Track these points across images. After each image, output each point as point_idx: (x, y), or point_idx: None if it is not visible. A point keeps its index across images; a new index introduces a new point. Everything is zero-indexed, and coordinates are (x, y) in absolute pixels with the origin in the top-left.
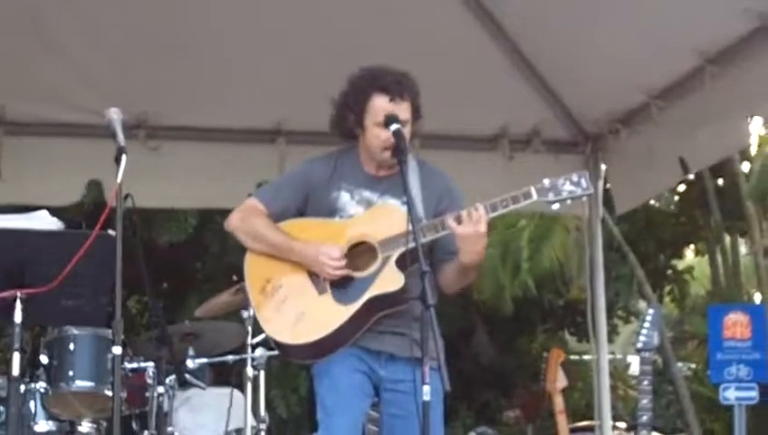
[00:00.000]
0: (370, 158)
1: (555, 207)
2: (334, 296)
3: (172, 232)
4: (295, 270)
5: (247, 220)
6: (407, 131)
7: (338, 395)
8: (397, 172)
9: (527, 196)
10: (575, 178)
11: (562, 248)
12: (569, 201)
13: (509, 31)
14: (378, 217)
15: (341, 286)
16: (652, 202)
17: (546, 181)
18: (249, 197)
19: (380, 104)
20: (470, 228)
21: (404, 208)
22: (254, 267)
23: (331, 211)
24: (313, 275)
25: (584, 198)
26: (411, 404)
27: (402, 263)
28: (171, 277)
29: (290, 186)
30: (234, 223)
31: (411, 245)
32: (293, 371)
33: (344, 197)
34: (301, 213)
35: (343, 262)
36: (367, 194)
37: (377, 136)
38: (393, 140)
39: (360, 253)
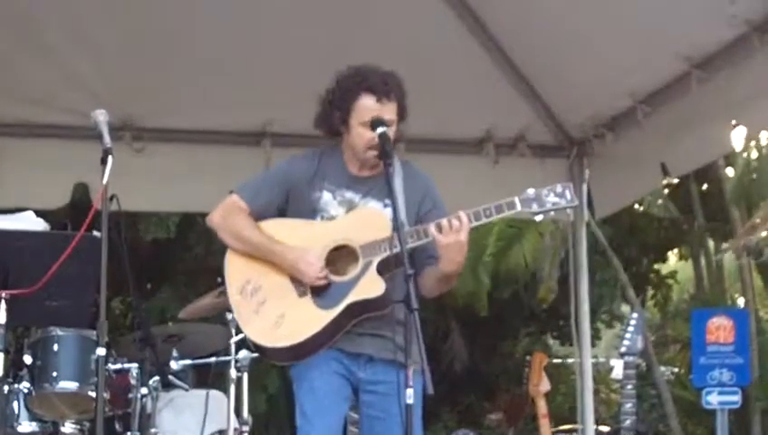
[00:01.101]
0: (354, 157)
1: (538, 217)
2: (314, 300)
3: (152, 230)
4: (275, 272)
5: (229, 218)
6: (392, 132)
7: (316, 400)
8: (380, 173)
9: (511, 206)
10: (559, 189)
11: (533, 251)
12: (552, 212)
13: (495, 34)
14: (360, 221)
15: (322, 290)
16: (636, 206)
17: (531, 191)
18: (230, 193)
19: (367, 104)
20: (451, 238)
21: (387, 212)
22: (234, 267)
23: (313, 211)
24: (294, 278)
25: (568, 210)
26: (391, 405)
27: (383, 268)
28: (154, 277)
29: (272, 183)
30: (215, 221)
31: (395, 250)
32: (263, 369)
33: (326, 196)
34: (282, 211)
35: (324, 270)
36: (349, 195)
37: (361, 136)
38: (378, 141)
39: (340, 256)
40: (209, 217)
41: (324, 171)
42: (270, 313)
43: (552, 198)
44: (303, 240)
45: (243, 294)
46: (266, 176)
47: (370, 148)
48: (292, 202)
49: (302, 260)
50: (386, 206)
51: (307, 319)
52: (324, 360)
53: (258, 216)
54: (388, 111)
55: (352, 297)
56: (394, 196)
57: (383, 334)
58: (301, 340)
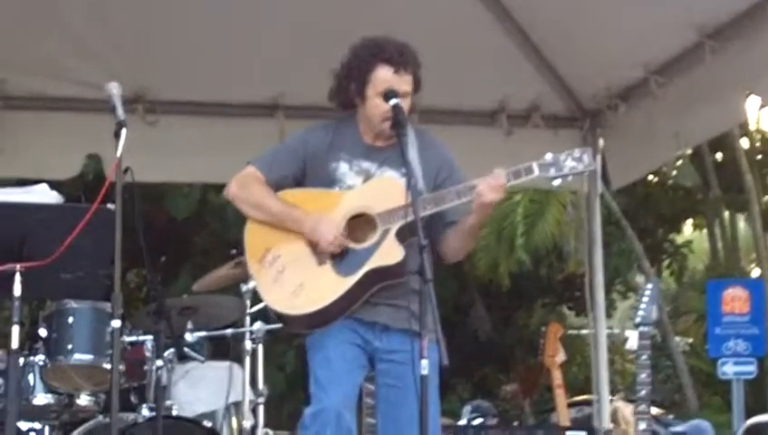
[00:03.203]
0: (369, 128)
1: (556, 182)
2: (334, 268)
3: (180, 207)
4: (294, 240)
5: (247, 188)
6: (407, 103)
7: (331, 369)
8: (395, 143)
9: (529, 171)
10: (577, 153)
11: (557, 224)
12: (570, 177)
13: (508, 5)
14: (377, 189)
15: (341, 258)
16: (650, 177)
17: (548, 156)
18: (247, 165)
19: (384, 75)
20: (494, 195)
21: (403, 181)
22: (253, 236)
23: (330, 181)
24: (313, 246)
25: (586, 174)
26: (406, 375)
27: (401, 236)
28: (169, 251)
29: (288, 154)
30: (233, 191)
31: (410, 218)
32: (280, 349)
33: (343, 167)
34: (298, 182)
35: (342, 235)
36: (366, 165)
37: (377, 106)
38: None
39: (359, 224)
40: (226, 189)
41: (340, 142)
42: (289, 281)
43: (569, 163)
44: (322, 209)
45: (262, 263)
46: (283, 147)
47: (386, 119)
48: (310, 173)
49: (321, 225)
50: (402, 175)
51: (326, 286)
52: (340, 329)
53: (275, 186)
54: (405, 83)
55: (371, 264)
56: (409, 165)
57: (398, 304)
58: (320, 307)
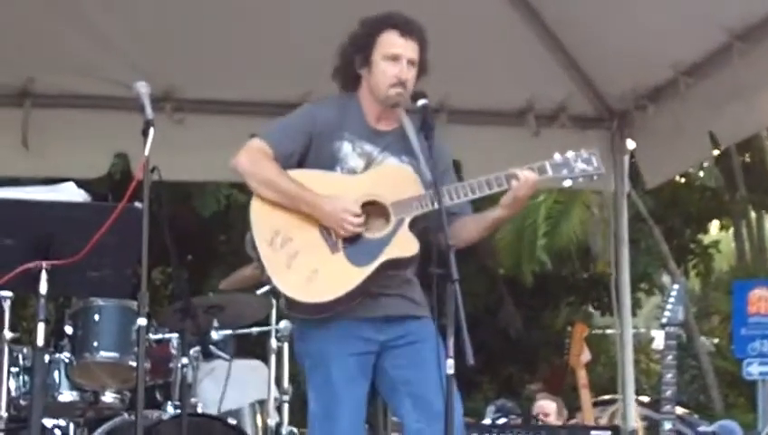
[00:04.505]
0: (374, 102)
1: (567, 183)
2: (347, 256)
3: (207, 205)
4: (306, 223)
5: (258, 163)
6: (412, 74)
7: (333, 394)
8: (398, 127)
9: (542, 170)
10: (585, 155)
11: (581, 225)
12: (580, 179)
13: (536, 5)
14: (386, 177)
15: (353, 246)
16: (677, 177)
17: (558, 157)
18: (252, 136)
19: (390, 39)
20: (526, 190)
21: (410, 169)
22: (261, 217)
23: (333, 161)
24: (324, 231)
25: (595, 177)
26: (419, 353)
27: (415, 226)
28: (196, 250)
29: (297, 129)
30: (242, 165)
31: (426, 209)
32: None
33: (346, 147)
34: (301, 156)
35: (362, 219)
36: (368, 148)
37: (384, 72)
38: (402, 77)
39: (368, 213)
40: (234, 160)
41: (345, 121)
42: (302, 267)
43: (580, 165)
44: (331, 193)
45: (272, 246)
46: (291, 121)
47: (392, 85)
48: (314, 150)
49: (341, 208)
50: (402, 162)
51: (341, 275)
52: (340, 336)
53: (282, 162)
54: (411, 50)
55: (387, 255)
56: (432, 161)
57: (396, 293)
58: (336, 296)
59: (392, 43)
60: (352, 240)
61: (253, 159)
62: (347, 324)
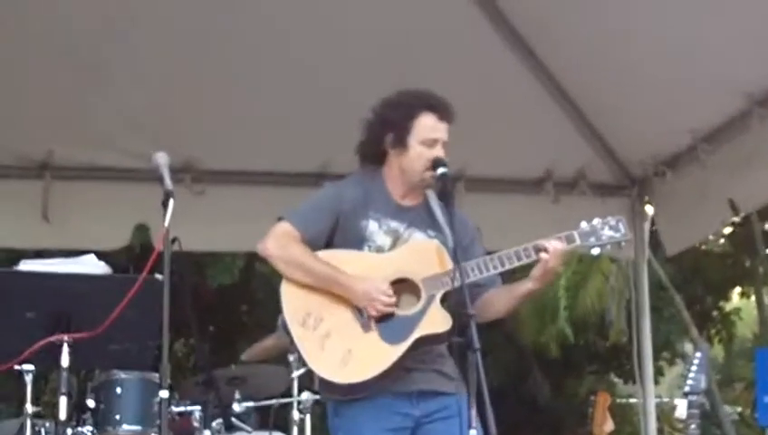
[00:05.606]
0: (402, 181)
1: (595, 251)
2: (380, 334)
3: (219, 275)
4: (337, 303)
5: (286, 248)
6: (443, 153)
7: None
8: (421, 203)
9: (571, 239)
10: (612, 222)
11: (598, 294)
12: (608, 246)
13: (554, 73)
14: (414, 253)
15: (385, 324)
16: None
17: (584, 225)
18: (279, 220)
19: (428, 122)
20: (557, 261)
21: (437, 242)
22: (292, 299)
23: (360, 239)
24: (356, 310)
25: (623, 243)
26: (454, 429)
27: (446, 301)
28: (218, 321)
29: (323, 210)
30: (271, 250)
31: (457, 283)
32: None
33: (372, 225)
34: (329, 238)
35: (393, 299)
36: (394, 224)
37: (420, 155)
38: (438, 175)
39: (398, 290)
40: (262, 245)
41: (370, 199)
42: (336, 348)
43: (607, 232)
44: (360, 272)
45: (305, 328)
46: (316, 202)
47: (428, 168)
48: (341, 230)
49: (373, 288)
50: (429, 236)
51: (375, 354)
52: (375, 412)
53: (311, 244)
54: (445, 131)
55: (421, 331)
56: (455, 236)
57: (430, 368)
58: (371, 376)
59: (432, 127)
60: (385, 318)
61: (281, 244)
62: (381, 399)
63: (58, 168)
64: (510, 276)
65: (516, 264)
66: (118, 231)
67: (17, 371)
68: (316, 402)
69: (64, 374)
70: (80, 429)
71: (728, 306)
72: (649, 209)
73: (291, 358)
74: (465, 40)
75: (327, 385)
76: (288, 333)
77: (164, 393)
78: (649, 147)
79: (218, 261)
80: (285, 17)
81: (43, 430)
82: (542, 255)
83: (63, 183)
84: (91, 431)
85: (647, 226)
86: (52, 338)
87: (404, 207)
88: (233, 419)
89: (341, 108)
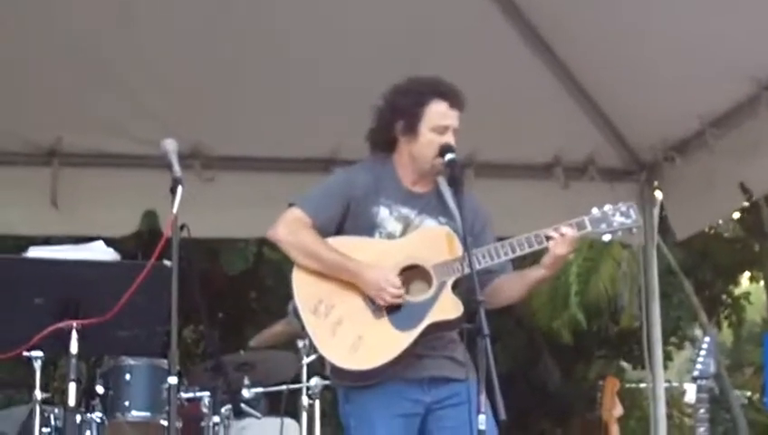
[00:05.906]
0: (412, 168)
1: (606, 237)
2: (391, 321)
3: (234, 261)
4: (348, 290)
5: (296, 234)
6: (454, 140)
7: None
8: (432, 189)
9: (582, 226)
10: (624, 208)
11: (611, 280)
12: (619, 233)
13: (564, 59)
14: (425, 240)
15: (397, 310)
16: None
17: (596, 211)
18: (290, 206)
19: (439, 109)
20: (568, 247)
21: (448, 229)
22: (304, 286)
23: (371, 226)
24: (367, 297)
25: (634, 229)
26: (462, 413)
27: (457, 287)
28: (227, 307)
29: (334, 196)
30: (281, 235)
31: (468, 270)
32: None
33: (383, 212)
34: (339, 224)
35: (401, 290)
36: (405, 211)
37: (431, 142)
38: (446, 161)
39: (409, 277)
40: (272, 231)
41: (381, 185)
42: (347, 334)
43: (618, 218)
44: (371, 259)
45: (317, 315)
46: (327, 188)
47: (438, 155)
48: (351, 216)
49: (382, 278)
50: (440, 223)
51: (386, 341)
52: (386, 398)
53: (321, 230)
54: (456, 118)
55: (432, 318)
56: (464, 221)
57: (442, 354)
58: (382, 363)
59: (443, 114)
60: (395, 306)
61: (291, 230)
62: (393, 385)
63: (66, 154)
64: (520, 262)
65: (527, 250)
66: (126, 218)
67: (26, 357)
68: (326, 388)
69: (73, 361)
70: (89, 415)
71: (737, 291)
72: (658, 194)
73: (300, 344)
74: (474, 27)
75: (338, 372)
76: (299, 319)
77: (173, 379)
78: (658, 132)
79: (231, 247)
80: (297, 0)
81: (52, 416)
82: (552, 241)
83: (72, 170)
84: (100, 417)
85: (656, 211)
86: (61, 324)
87: (415, 194)
88: (242, 404)
89: (352, 93)
